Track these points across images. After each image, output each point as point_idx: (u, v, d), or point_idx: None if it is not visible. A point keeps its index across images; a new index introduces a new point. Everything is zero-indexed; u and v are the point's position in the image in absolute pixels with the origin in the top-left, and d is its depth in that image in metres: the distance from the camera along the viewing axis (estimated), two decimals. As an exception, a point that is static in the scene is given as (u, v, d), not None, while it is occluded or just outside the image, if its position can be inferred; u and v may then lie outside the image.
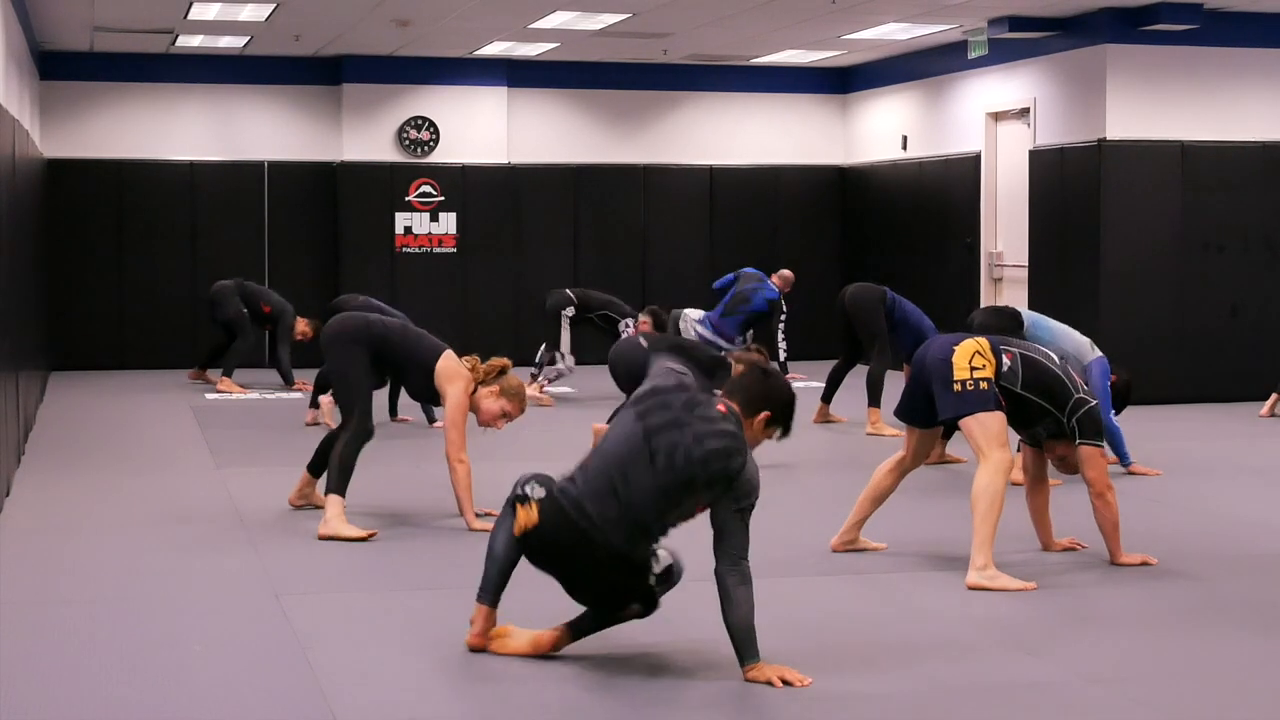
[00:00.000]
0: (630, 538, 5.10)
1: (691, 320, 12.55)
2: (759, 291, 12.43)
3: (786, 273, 13.11)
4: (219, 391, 13.62)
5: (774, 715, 4.84)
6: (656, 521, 5.13)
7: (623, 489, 5.08)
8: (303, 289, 15.61)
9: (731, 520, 5.02)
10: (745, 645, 5.05)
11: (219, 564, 6.92)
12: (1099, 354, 9.20)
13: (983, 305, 14.64)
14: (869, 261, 16.66)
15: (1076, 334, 9.22)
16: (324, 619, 5.91)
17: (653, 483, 5.05)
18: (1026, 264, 13.75)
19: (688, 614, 5.65)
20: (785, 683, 5.01)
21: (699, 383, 5.32)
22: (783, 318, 12.99)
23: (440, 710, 4.87)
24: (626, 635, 5.50)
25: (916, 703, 4.98)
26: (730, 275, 12.88)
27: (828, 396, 11.83)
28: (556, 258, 16.47)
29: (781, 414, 5.32)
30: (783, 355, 14.52)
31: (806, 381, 14.37)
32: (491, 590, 5.31)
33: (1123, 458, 9.36)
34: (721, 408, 5.12)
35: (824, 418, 11.79)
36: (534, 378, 13.10)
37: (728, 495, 5.02)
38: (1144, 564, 6.89)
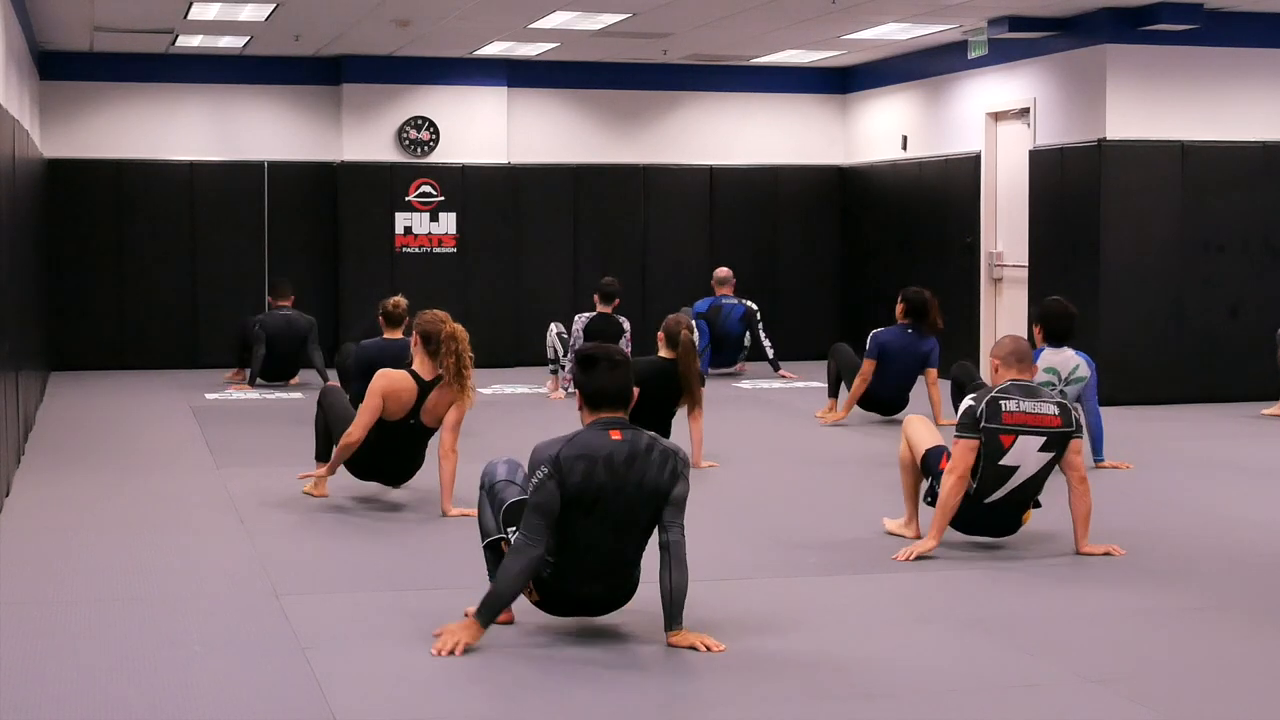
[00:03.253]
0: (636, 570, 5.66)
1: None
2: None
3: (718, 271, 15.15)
4: (232, 383, 13.79)
5: (775, 714, 4.85)
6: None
7: (624, 555, 5.54)
8: (303, 289, 15.60)
9: (687, 492, 5.45)
10: (679, 609, 5.44)
11: (219, 564, 6.93)
12: (1085, 360, 9.36)
13: (982, 304, 14.66)
14: (869, 262, 16.66)
15: (1063, 354, 9.36)
16: (324, 619, 5.92)
17: (640, 531, 5.51)
18: (1026, 264, 13.75)
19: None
20: (706, 647, 5.39)
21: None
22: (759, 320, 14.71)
23: (440, 710, 4.87)
24: (617, 629, 5.51)
25: (916, 702, 4.98)
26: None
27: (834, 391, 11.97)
28: (556, 258, 16.46)
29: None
30: (770, 354, 14.79)
31: (805, 382, 14.38)
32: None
33: (1097, 452, 9.42)
34: (616, 434, 5.43)
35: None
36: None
37: (684, 474, 5.46)
38: (1107, 554, 7.04)
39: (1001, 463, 6.86)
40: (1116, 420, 11.89)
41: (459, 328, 7.93)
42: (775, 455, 10.18)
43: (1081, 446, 7.00)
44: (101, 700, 4.91)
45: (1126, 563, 6.94)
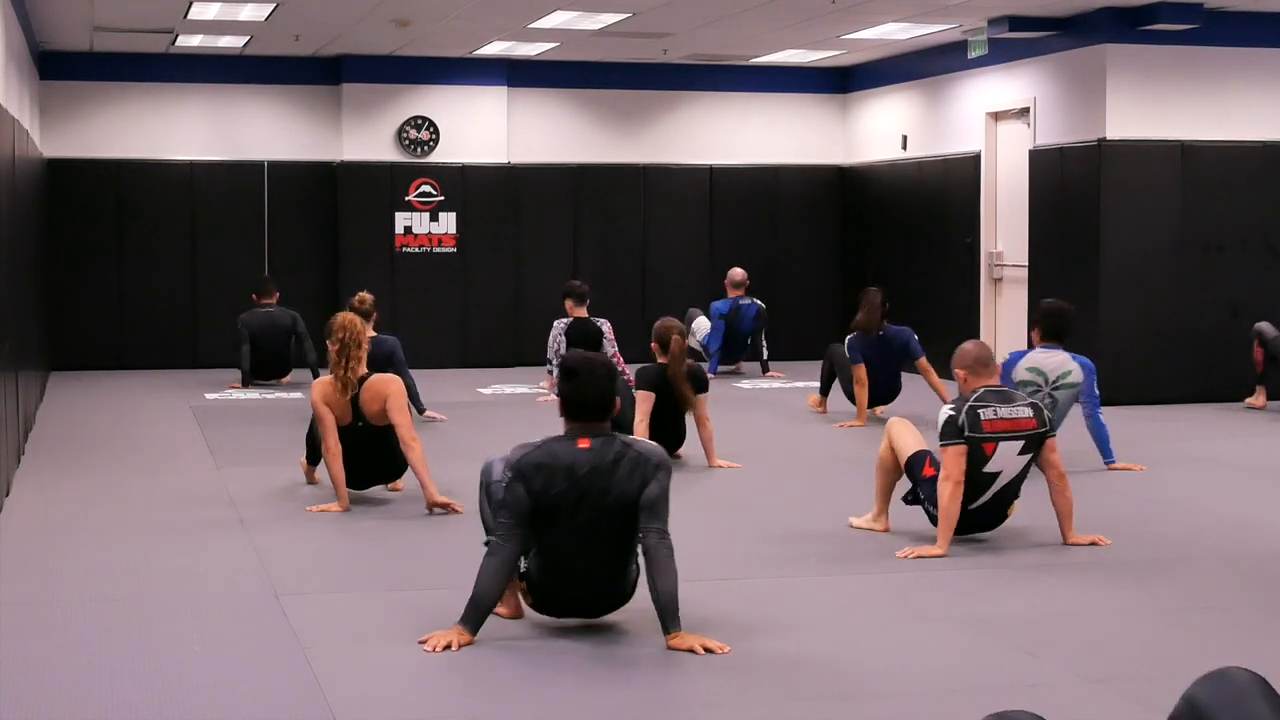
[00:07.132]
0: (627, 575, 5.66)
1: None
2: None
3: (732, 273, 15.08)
4: (233, 387, 13.77)
5: (774, 714, 4.85)
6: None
7: (603, 561, 5.55)
8: (303, 289, 15.61)
9: (662, 494, 5.39)
10: (673, 613, 5.36)
11: (219, 564, 6.92)
12: (1081, 363, 9.27)
13: (982, 304, 14.67)
14: (869, 262, 16.66)
15: (1056, 356, 9.30)
16: (324, 619, 5.91)
17: (617, 539, 5.50)
18: (1026, 264, 13.75)
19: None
20: (706, 650, 5.30)
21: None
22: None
23: (440, 710, 4.87)
24: (621, 629, 5.51)
25: (916, 702, 4.98)
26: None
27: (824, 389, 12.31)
28: (556, 258, 16.46)
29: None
30: (764, 354, 14.90)
31: (805, 382, 14.38)
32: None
33: (1106, 455, 9.48)
34: (584, 443, 5.43)
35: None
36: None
37: (657, 477, 5.39)
38: (1093, 544, 7.19)
39: (985, 470, 7.03)
40: (1117, 420, 11.90)
41: (348, 315, 8.13)
42: (776, 455, 10.18)
43: (1056, 444, 7.17)
44: (102, 700, 4.91)
45: (1126, 562, 6.94)
